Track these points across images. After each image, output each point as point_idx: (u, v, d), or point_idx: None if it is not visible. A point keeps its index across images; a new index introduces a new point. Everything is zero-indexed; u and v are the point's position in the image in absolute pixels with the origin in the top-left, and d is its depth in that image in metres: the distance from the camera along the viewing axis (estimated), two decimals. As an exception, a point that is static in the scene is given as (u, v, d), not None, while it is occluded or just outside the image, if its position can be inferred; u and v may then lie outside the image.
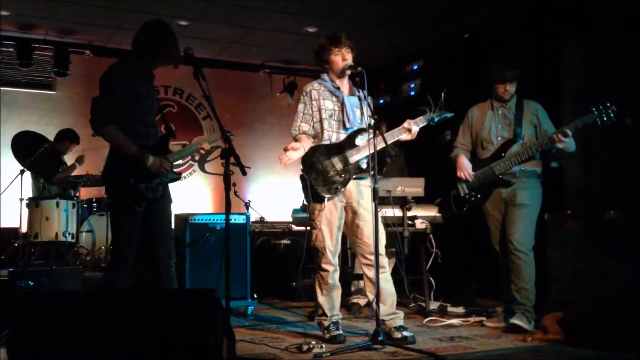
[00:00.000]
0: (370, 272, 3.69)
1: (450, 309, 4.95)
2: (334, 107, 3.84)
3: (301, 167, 3.80)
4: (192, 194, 8.21)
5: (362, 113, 3.71)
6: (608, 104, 3.87)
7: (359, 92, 3.84)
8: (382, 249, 3.77)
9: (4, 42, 7.40)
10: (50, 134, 6.62)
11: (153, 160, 3.47)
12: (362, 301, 5.14)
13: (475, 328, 4.25)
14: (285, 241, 6.38)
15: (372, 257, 3.66)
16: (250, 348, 3.59)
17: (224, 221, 3.36)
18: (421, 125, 3.81)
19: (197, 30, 7.06)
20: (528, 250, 4.11)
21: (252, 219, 6.15)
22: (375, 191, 3.48)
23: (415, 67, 7.91)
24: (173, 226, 4.34)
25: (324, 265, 3.80)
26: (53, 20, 6.95)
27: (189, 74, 3.29)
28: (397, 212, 4.80)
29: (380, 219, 3.82)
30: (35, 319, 2.56)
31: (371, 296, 3.72)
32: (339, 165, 3.73)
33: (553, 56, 5.59)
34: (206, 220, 5.03)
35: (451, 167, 4.51)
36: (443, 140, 7.29)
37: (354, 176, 3.75)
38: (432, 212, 4.98)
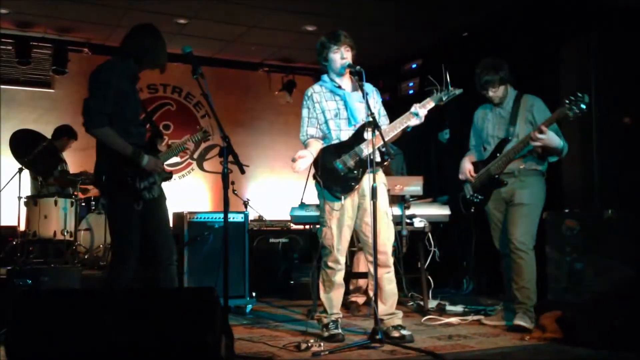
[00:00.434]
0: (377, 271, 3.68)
1: (448, 307, 4.95)
2: (337, 106, 3.84)
3: (313, 170, 3.79)
4: (191, 193, 8.21)
5: (368, 107, 3.67)
6: (579, 95, 3.79)
7: (361, 87, 3.81)
8: (389, 248, 3.77)
9: (3, 40, 7.39)
10: (48, 132, 6.61)
11: (148, 159, 3.48)
12: (360, 300, 5.15)
13: (474, 327, 4.25)
14: (283, 239, 6.38)
15: (379, 256, 3.66)
16: (248, 346, 3.59)
17: (223, 220, 3.36)
18: (429, 107, 3.74)
19: (195, 29, 7.06)
20: (528, 249, 4.11)
21: (251, 217, 6.15)
22: (374, 190, 3.48)
23: (414, 66, 7.91)
24: (171, 224, 4.35)
25: (330, 264, 3.80)
26: (51, 18, 6.95)
27: (188, 72, 3.30)
28: (395, 210, 4.80)
29: (390, 218, 3.82)
30: (34, 318, 2.56)
31: None
32: (350, 163, 3.72)
33: (553, 56, 5.59)
34: (204, 218, 5.03)
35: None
36: (442, 139, 7.32)
37: (368, 170, 3.70)
38: (431, 210, 4.98)
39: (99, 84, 3.46)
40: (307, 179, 3.85)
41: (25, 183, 6.37)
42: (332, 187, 3.73)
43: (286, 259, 6.24)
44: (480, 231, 4.88)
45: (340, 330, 3.77)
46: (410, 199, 4.83)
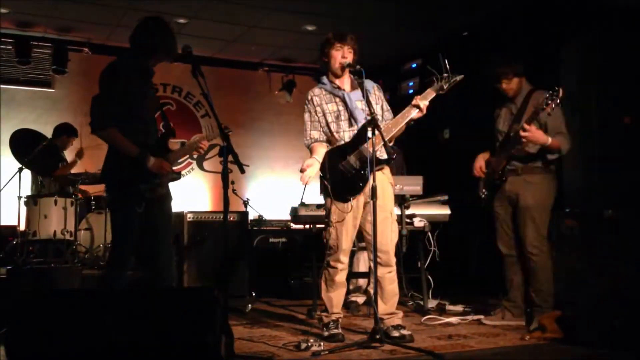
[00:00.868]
0: (379, 271, 3.68)
1: (448, 307, 4.95)
2: (337, 108, 3.84)
3: (320, 174, 3.78)
4: (191, 192, 8.20)
5: (368, 105, 3.66)
6: (556, 87, 3.82)
7: (361, 86, 3.80)
8: (392, 248, 3.76)
9: (3, 39, 7.38)
10: (48, 132, 6.60)
11: (153, 161, 3.47)
12: (360, 299, 5.15)
13: (474, 326, 4.26)
14: (283, 239, 6.38)
15: (382, 255, 3.66)
16: (248, 346, 3.60)
17: (223, 219, 3.36)
18: (430, 97, 3.74)
19: (195, 28, 7.05)
20: (541, 252, 4.12)
21: (251, 217, 6.15)
22: (374, 189, 3.47)
23: (414, 66, 7.91)
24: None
25: (333, 263, 3.79)
26: (51, 18, 6.94)
27: (188, 72, 3.29)
28: (395, 210, 4.79)
29: (395, 218, 3.81)
30: (33, 318, 2.56)
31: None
32: (357, 163, 3.71)
33: (553, 56, 5.59)
34: (204, 218, 5.03)
35: None
36: (441, 138, 7.32)
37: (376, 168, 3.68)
38: (431, 210, 4.98)
39: (105, 84, 3.46)
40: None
41: (26, 183, 6.37)
42: (341, 189, 3.72)
43: (286, 258, 6.23)
44: (481, 231, 4.88)
45: (340, 330, 3.78)
46: (410, 199, 4.83)
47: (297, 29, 7.22)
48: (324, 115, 3.84)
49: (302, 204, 4.82)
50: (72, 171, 6.59)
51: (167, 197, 3.66)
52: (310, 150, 3.87)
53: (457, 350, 3.48)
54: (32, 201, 6.08)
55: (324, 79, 3.93)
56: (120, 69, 3.50)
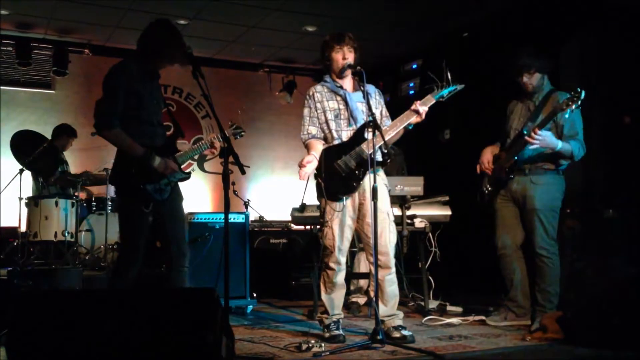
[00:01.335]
0: (379, 273, 3.67)
1: (449, 307, 4.94)
2: (338, 106, 3.84)
3: (315, 172, 3.78)
4: (191, 193, 8.18)
5: (368, 107, 3.66)
6: (578, 89, 3.69)
7: (362, 87, 3.80)
8: (391, 250, 3.76)
9: (3, 41, 7.40)
10: (49, 133, 6.62)
11: (159, 161, 3.47)
12: (361, 300, 5.15)
13: (475, 327, 4.25)
14: (284, 240, 6.39)
15: (380, 257, 3.66)
16: (249, 347, 3.59)
17: (223, 220, 3.36)
18: (429, 104, 3.72)
19: (196, 29, 7.06)
20: (550, 253, 4.09)
21: (251, 218, 6.15)
22: (374, 190, 3.47)
23: (414, 66, 7.91)
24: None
25: (330, 264, 3.79)
26: (52, 19, 6.95)
27: (188, 73, 3.29)
28: (396, 211, 4.80)
29: (392, 219, 3.81)
30: (34, 319, 2.56)
31: None
32: (352, 163, 3.71)
33: (552, 56, 5.59)
34: (205, 219, 5.03)
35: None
36: (442, 139, 7.32)
37: (369, 170, 3.67)
38: (432, 211, 4.98)
39: (109, 85, 3.46)
40: (307, 180, 3.84)
41: (26, 184, 6.38)
42: (334, 188, 3.72)
43: (287, 259, 6.23)
44: (481, 230, 4.87)
45: (341, 331, 3.77)
46: (411, 200, 4.83)
47: (298, 30, 7.23)
48: (324, 112, 3.84)
49: (303, 205, 4.82)
50: (72, 171, 6.60)
51: (178, 197, 3.66)
52: (307, 146, 3.86)
53: (458, 351, 3.47)
54: (32, 202, 6.09)
55: (327, 77, 3.93)
56: (125, 70, 3.50)
